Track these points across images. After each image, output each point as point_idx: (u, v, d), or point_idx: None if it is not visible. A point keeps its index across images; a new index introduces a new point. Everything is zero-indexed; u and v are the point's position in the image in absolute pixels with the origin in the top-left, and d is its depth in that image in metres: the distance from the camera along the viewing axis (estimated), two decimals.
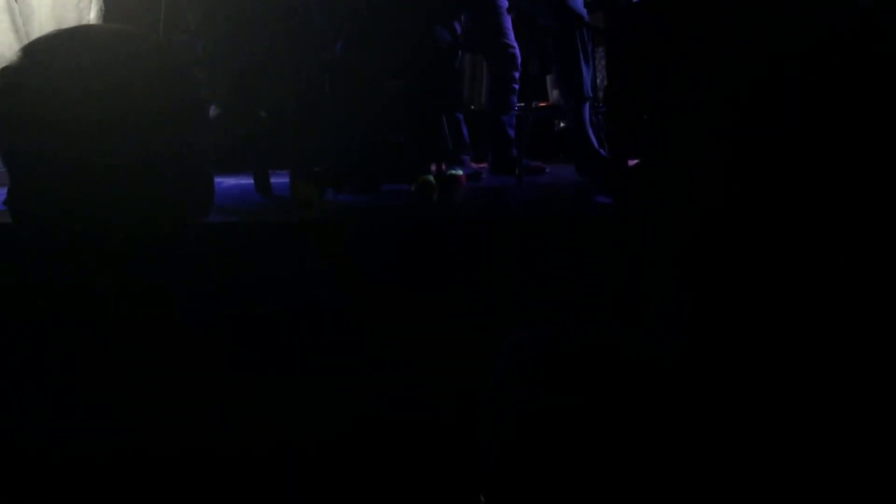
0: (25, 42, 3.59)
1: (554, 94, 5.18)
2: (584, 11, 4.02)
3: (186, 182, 1.20)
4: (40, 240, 1.17)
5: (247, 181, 3.95)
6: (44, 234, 1.16)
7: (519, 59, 4.33)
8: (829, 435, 1.18)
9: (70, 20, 3.61)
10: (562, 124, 5.10)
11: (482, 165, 4.47)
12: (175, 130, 1.18)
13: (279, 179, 3.95)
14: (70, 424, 1.12)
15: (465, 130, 4.41)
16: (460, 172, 4.06)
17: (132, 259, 1.17)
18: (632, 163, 3.60)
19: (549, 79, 5.24)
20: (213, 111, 3.79)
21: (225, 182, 4.05)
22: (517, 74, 4.34)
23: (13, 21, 3.60)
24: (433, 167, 3.94)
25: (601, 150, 4.01)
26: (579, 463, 1.20)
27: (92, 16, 3.68)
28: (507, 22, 4.32)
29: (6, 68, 1.16)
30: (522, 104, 4.57)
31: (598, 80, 4.43)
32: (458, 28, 4.27)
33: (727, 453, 1.19)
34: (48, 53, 1.16)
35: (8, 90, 1.15)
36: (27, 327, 1.15)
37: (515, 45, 4.32)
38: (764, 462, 1.19)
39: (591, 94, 4.03)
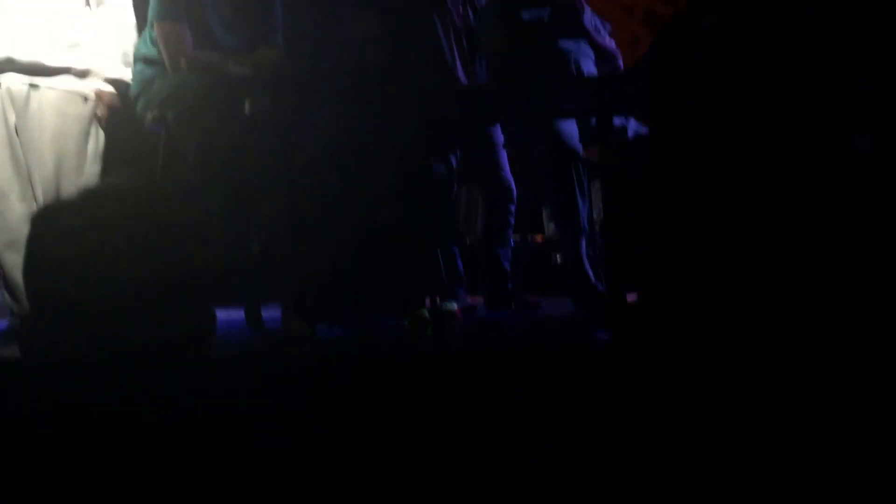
0: (25, 175, 3.54)
1: (550, 228, 5.17)
2: (579, 146, 4.04)
3: (188, 317, 1.26)
4: (49, 371, 1.25)
5: (237, 314, 3.90)
6: (54, 364, 1.25)
7: (515, 193, 4.33)
8: None
9: (70, 152, 3.63)
10: (558, 258, 5.08)
11: (477, 299, 4.43)
12: (177, 270, 1.32)
13: (270, 313, 3.90)
14: None
15: (460, 263, 4.38)
16: (455, 306, 4.01)
17: (134, 389, 1.24)
18: (630, 297, 3.56)
19: (545, 212, 5.24)
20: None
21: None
22: (513, 207, 4.34)
23: (13, 154, 3.64)
24: (427, 301, 3.89)
25: (598, 285, 3.97)
26: None
27: (90, 147, 3.70)
28: (503, 156, 4.35)
29: (38, 217, 1.30)
30: (518, 237, 4.56)
31: (594, 214, 4.42)
32: (454, 161, 4.29)
33: None
34: (69, 210, 1.27)
35: (39, 236, 1.33)
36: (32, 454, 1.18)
37: (511, 178, 4.33)
38: None
39: (587, 228, 4.01)
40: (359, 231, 4.04)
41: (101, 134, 3.75)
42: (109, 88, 3.71)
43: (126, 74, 3.77)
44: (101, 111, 3.69)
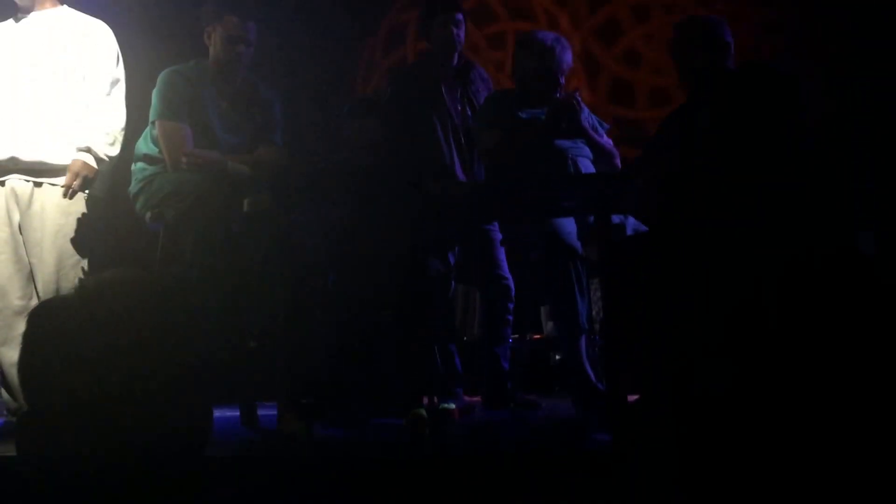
0: (26, 272, 3.54)
1: (549, 327, 5.14)
2: (578, 244, 4.03)
3: (184, 415, 1.28)
4: (44, 469, 1.21)
5: (232, 413, 3.85)
6: (51, 464, 1.20)
7: (513, 291, 4.31)
8: None
9: (70, 250, 3.66)
10: (557, 357, 5.04)
11: (475, 399, 4.37)
12: (175, 369, 1.26)
13: (266, 411, 3.85)
14: None
15: (457, 362, 4.33)
16: (453, 406, 3.96)
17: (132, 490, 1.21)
18: (631, 398, 3.51)
19: (543, 311, 5.21)
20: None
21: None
22: (511, 306, 4.31)
23: (15, 252, 3.66)
24: (425, 400, 3.83)
25: (598, 384, 3.93)
26: None
27: (90, 247, 3.71)
28: (501, 253, 4.33)
29: (34, 313, 1.31)
30: (517, 336, 4.52)
31: (594, 313, 4.39)
32: (452, 259, 4.28)
33: None
34: (65, 307, 1.28)
35: (34, 333, 1.27)
36: None
37: (509, 276, 4.31)
38: None
39: (587, 327, 3.98)
40: (356, 329, 4.01)
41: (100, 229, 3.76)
42: (88, 160, 3.67)
43: (111, 152, 3.75)
44: (72, 181, 3.64)
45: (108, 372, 1.21)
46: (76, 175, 3.64)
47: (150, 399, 1.23)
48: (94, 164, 3.67)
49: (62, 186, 3.64)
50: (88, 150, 3.66)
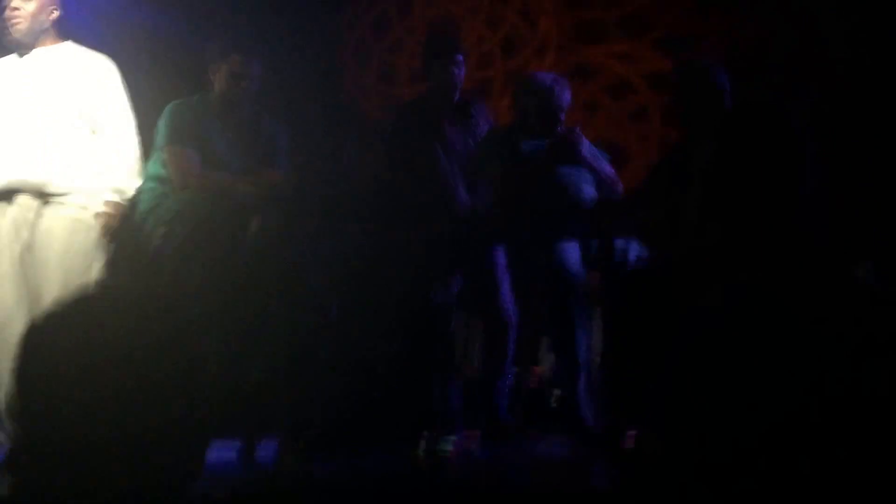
0: (31, 295, 3.53)
1: (549, 359, 5.11)
2: (580, 272, 4.03)
3: (178, 449, 1.26)
4: None
5: (228, 450, 3.81)
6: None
7: (515, 322, 4.28)
8: None
9: (77, 270, 3.66)
10: (557, 391, 5.01)
11: (475, 433, 4.34)
12: (173, 399, 1.24)
13: (266, 446, 3.82)
14: None
15: (457, 396, 4.31)
16: (452, 441, 3.93)
17: None
18: (631, 433, 3.50)
19: (543, 343, 5.19)
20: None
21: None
22: (512, 338, 4.29)
23: (20, 276, 3.65)
24: (424, 435, 3.82)
25: (597, 420, 3.91)
26: None
27: (96, 267, 3.72)
28: (505, 280, 4.30)
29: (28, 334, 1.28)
30: (517, 369, 4.49)
31: (594, 344, 4.37)
32: (454, 287, 4.25)
33: None
34: (60, 326, 1.27)
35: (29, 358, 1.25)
36: None
37: (511, 306, 4.28)
38: None
39: (586, 361, 3.97)
40: (356, 363, 4.00)
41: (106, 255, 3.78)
42: (116, 198, 3.74)
43: (128, 188, 3.80)
44: (106, 221, 3.71)
45: (100, 411, 1.19)
46: (112, 217, 3.72)
47: (143, 440, 1.22)
48: (123, 202, 3.76)
49: (100, 226, 3.71)
50: (118, 191, 3.71)
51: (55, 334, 1.25)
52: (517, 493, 3.02)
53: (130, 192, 3.78)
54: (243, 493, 3.13)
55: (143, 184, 3.96)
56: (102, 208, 3.71)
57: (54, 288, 3.61)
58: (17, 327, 3.61)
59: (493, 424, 4.22)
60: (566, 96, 4.29)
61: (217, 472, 3.42)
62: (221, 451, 3.89)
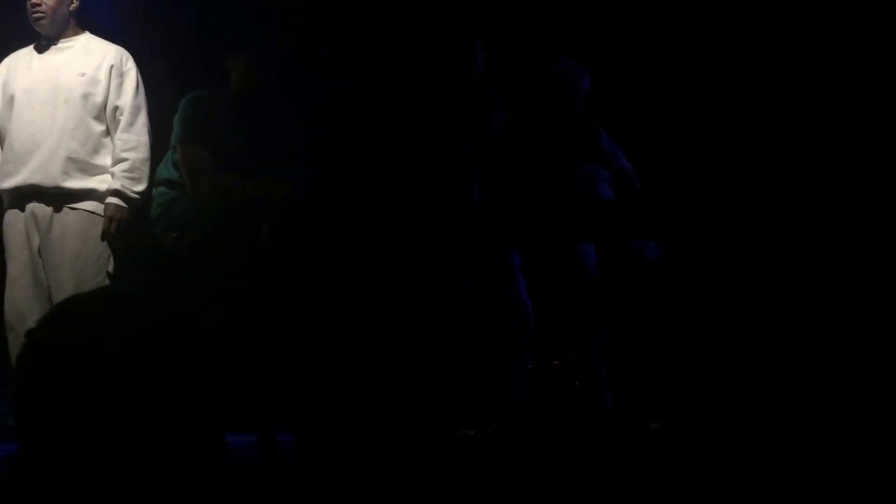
0: (45, 296, 3.57)
1: (567, 353, 5.10)
2: (596, 269, 4.02)
3: (196, 445, 1.21)
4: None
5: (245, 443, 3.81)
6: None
7: (531, 317, 4.27)
8: None
9: (89, 274, 3.70)
10: (577, 383, 5.00)
11: (495, 426, 4.33)
12: (189, 395, 1.30)
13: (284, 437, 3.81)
14: None
15: (476, 389, 4.31)
16: (471, 433, 3.93)
17: None
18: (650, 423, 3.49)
19: (561, 337, 5.17)
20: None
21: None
22: (529, 332, 4.28)
23: (34, 276, 3.72)
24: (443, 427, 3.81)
25: (616, 410, 3.90)
26: None
27: (109, 269, 3.74)
28: (520, 279, 4.29)
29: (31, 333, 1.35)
30: (535, 362, 4.48)
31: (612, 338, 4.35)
32: (471, 285, 4.25)
33: None
34: (64, 324, 1.34)
35: (31, 354, 1.32)
36: None
37: (528, 302, 4.27)
38: None
39: (605, 353, 3.96)
40: (375, 357, 4.00)
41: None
42: (119, 202, 3.76)
43: (139, 188, 3.80)
44: (108, 226, 3.75)
45: (108, 412, 1.18)
46: (111, 220, 3.75)
47: (159, 430, 1.21)
48: (125, 205, 3.76)
49: (104, 229, 3.74)
50: (118, 194, 3.72)
51: (67, 334, 1.25)
52: (535, 484, 3.02)
53: (135, 195, 3.79)
54: (263, 485, 3.13)
55: (155, 188, 3.97)
56: (109, 211, 3.74)
57: (68, 289, 3.62)
58: (30, 326, 3.62)
59: (512, 418, 4.22)
60: (585, 83, 4.25)
61: (236, 459, 3.43)
62: (239, 444, 3.90)
